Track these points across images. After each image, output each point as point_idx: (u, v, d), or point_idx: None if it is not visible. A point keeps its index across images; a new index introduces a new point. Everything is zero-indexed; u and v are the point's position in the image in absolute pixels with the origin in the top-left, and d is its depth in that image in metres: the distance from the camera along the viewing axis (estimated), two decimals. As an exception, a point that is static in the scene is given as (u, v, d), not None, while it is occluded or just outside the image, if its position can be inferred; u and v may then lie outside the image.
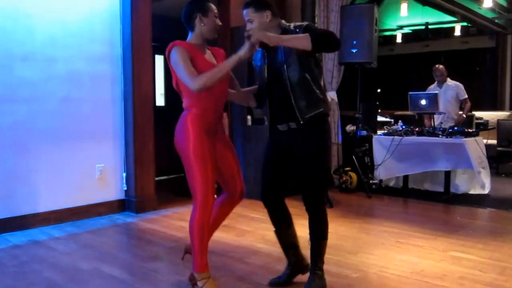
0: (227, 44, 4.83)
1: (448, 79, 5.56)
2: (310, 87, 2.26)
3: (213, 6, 2.33)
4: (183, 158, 2.27)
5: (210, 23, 2.30)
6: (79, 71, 3.92)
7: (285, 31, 2.29)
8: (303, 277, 2.42)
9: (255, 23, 2.26)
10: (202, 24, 2.29)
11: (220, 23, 2.35)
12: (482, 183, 4.81)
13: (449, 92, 5.50)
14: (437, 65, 5.57)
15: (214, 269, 2.54)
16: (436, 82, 5.60)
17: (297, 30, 2.25)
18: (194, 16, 2.30)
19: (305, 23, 2.30)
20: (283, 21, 2.34)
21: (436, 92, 5.22)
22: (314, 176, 2.30)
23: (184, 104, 2.32)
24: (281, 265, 2.59)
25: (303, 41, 2.12)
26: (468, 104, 5.57)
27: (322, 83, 2.33)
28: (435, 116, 5.18)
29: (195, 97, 2.25)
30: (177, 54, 2.22)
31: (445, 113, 5.36)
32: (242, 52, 2.14)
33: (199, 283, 2.25)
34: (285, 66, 2.25)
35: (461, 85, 5.52)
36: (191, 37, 2.36)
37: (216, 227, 2.50)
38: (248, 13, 2.30)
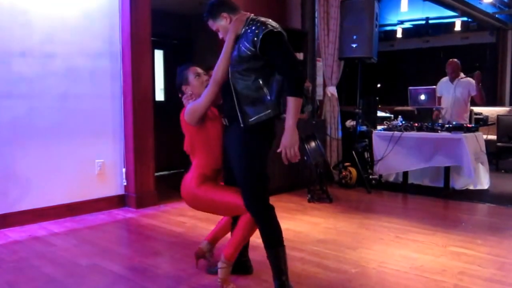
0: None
1: (462, 75, 5.27)
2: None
3: (189, 71, 2.42)
4: (200, 200, 2.40)
5: (195, 87, 2.41)
6: (78, 67, 3.90)
7: (246, 27, 2.16)
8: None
9: (220, 31, 2.26)
10: (189, 92, 2.42)
11: (205, 78, 2.41)
12: (484, 178, 4.80)
13: (459, 88, 5.20)
14: (450, 60, 5.28)
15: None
16: (447, 77, 5.33)
17: (255, 31, 2.10)
18: (180, 86, 2.44)
19: (262, 31, 2.09)
20: (249, 15, 2.21)
21: (434, 87, 5.19)
22: (242, 177, 2.22)
23: (196, 163, 2.43)
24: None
25: (297, 106, 2.10)
26: (480, 100, 5.26)
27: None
28: (443, 113, 5.13)
29: (207, 154, 2.39)
30: (187, 117, 2.35)
31: (444, 108, 5.32)
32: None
33: (221, 264, 2.32)
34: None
35: (472, 81, 5.22)
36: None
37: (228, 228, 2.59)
38: (210, 25, 2.30)
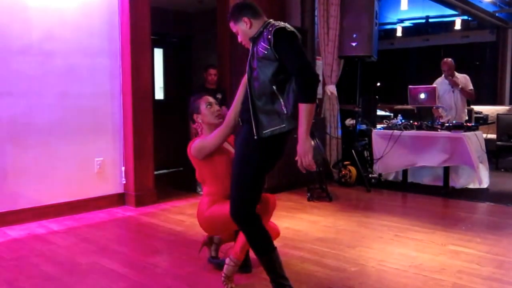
0: (227, 38, 4.79)
1: (456, 73, 5.34)
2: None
3: (202, 100, 2.49)
4: (211, 221, 2.48)
5: (206, 116, 2.48)
6: (78, 64, 3.90)
7: (258, 35, 2.15)
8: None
9: (240, 35, 2.25)
10: (200, 121, 2.50)
11: (216, 108, 2.48)
12: (480, 179, 4.81)
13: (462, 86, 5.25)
14: (445, 59, 5.33)
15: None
16: (443, 76, 5.38)
17: (270, 29, 2.08)
18: (192, 115, 2.53)
19: (275, 27, 2.08)
20: (269, 21, 2.18)
21: (435, 86, 5.19)
22: (235, 182, 2.20)
23: (205, 191, 2.53)
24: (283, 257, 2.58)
25: (309, 113, 2.04)
26: (473, 95, 5.36)
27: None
28: (444, 112, 5.13)
29: (216, 184, 2.47)
30: (193, 152, 2.44)
31: (444, 107, 5.32)
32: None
33: (229, 261, 2.34)
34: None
35: (467, 77, 5.32)
36: (203, 133, 2.54)
37: None
38: (231, 27, 2.29)
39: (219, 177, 2.43)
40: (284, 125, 2.10)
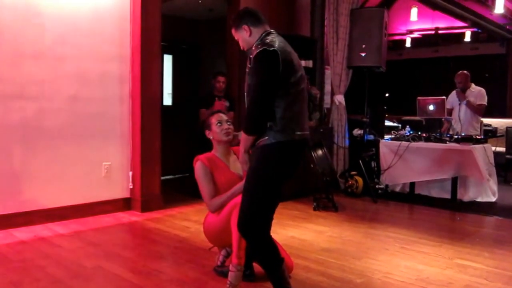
0: (236, 46, 4.81)
1: (472, 85, 5.22)
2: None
3: (213, 118, 2.60)
4: (212, 229, 2.58)
5: (216, 133, 2.60)
6: (88, 69, 3.94)
7: (257, 42, 2.17)
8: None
9: (240, 42, 2.28)
10: (211, 137, 2.64)
11: (225, 126, 2.58)
12: (493, 190, 4.76)
13: (471, 99, 5.14)
14: (459, 71, 5.25)
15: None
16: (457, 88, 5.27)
17: (254, 49, 2.13)
18: (204, 131, 2.65)
19: (258, 49, 2.08)
20: (265, 33, 2.19)
21: (444, 97, 5.16)
22: (244, 190, 2.19)
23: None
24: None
25: (246, 140, 2.15)
26: (480, 110, 5.23)
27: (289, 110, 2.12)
28: (454, 124, 5.09)
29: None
30: (197, 171, 2.57)
31: (453, 119, 5.29)
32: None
33: (232, 268, 2.34)
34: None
35: (483, 91, 5.19)
36: (214, 148, 2.67)
37: None
38: (233, 33, 2.31)
39: (220, 193, 2.53)
40: (267, 138, 2.10)
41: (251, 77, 2.12)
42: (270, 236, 2.21)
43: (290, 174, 2.20)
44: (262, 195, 2.13)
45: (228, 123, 2.62)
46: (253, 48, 2.15)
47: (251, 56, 2.14)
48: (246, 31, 2.22)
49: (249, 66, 2.15)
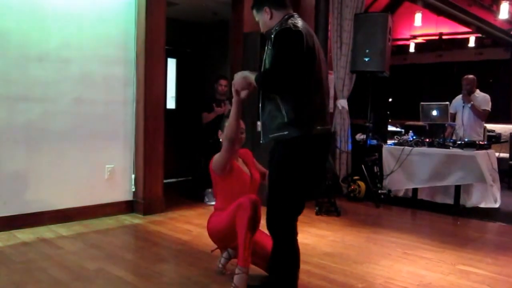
0: (240, 49, 4.85)
1: (477, 91, 5.25)
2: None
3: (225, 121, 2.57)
4: (215, 229, 2.60)
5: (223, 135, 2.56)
6: (93, 72, 3.96)
7: (271, 32, 2.08)
8: None
9: (260, 25, 2.20)
10: (220, 138, 2.65)
11: (244, 136, 2.62)
12: (495, 196, 4.74)
13: (475, 104, 5.17)
14: (467, 75, 5.27)
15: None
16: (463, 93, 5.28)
17: (276, 28, 2.05)
18: (218, 131, 2.71)
19: (280, 27, 2.03)
20: (287, 16, 2.09)
21: (447, 103, 5.15)
22: (269, 194, 2.15)
23: (215, 205, 2.69)
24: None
25: (257, 83, 2.05)
26: (484, 116, 5.24)
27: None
28: (457, 129, 5.07)
29: (226, 201, 2.56)
30: (212, 166, 2.58)
31: (457, 124, 5.27)
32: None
33: (237, 270, 2.35)
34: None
35: (487, 97, 5.21)
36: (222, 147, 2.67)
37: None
38: (254, 15, 2.23)
39: (233, 196, 2.50)
40: (286, 132, 2.03)
41: (269, 57, 2.02)
42: (296, 240, 2.20)
43: (317, 170, 2.16)
44: (288, 191, 2.10)
45: (243, 134, 2.65)
46: (272, 31, 2.06)
47: (272, 36, 2.02)
48: (267, 14, 2.13)
49: (268, 48, 2.04)
